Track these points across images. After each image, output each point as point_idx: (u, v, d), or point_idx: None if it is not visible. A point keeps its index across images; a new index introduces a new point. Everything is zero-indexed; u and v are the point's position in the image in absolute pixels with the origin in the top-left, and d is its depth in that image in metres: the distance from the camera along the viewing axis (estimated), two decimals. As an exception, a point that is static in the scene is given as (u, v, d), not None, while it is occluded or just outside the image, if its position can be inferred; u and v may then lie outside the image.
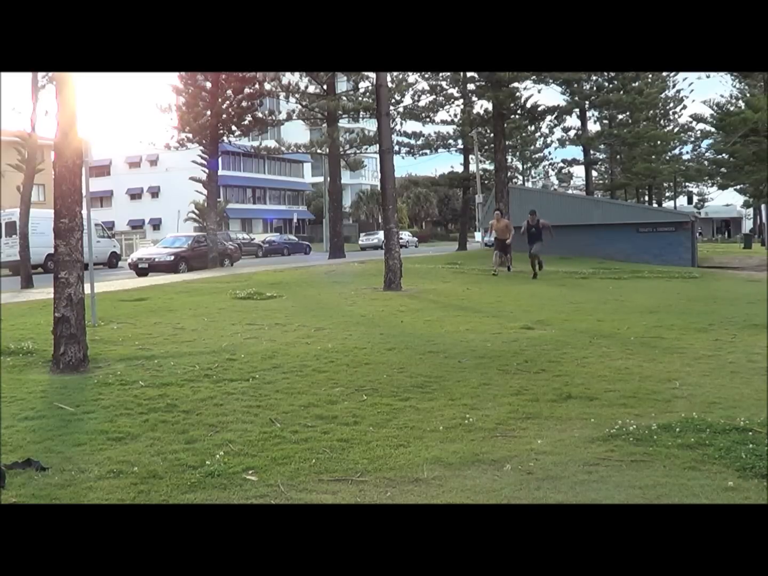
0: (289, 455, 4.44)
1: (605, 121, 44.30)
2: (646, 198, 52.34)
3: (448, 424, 5.12)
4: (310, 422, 5.20)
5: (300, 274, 20.24)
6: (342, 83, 36.59)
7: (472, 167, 40.96)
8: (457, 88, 35.01)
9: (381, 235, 35.20)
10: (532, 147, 50.02)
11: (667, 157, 44.77)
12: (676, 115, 48.65)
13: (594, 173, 51.10)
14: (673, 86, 46.70)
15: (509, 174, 35.89)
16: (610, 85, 40.29)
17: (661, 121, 47.88)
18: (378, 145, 17.71)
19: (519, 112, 29.03)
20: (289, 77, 31.05)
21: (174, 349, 8.14)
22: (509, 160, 40.55)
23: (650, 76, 41.43)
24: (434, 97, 34.59)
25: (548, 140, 46.62)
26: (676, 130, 46.98)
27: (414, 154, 36.03)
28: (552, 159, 54.22)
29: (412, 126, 64.67)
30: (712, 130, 38.06)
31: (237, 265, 27.52)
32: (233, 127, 27.90)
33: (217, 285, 16.53)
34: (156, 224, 60.47)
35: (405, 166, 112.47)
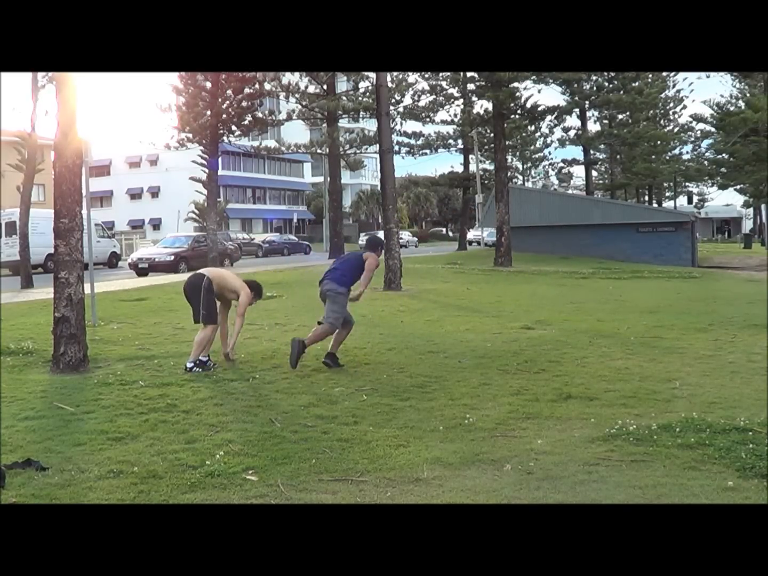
0: (289, 455, 4.44)
1: (605, 121, 44.27)
2: (646, 198, 52.32)
3: (448, 424, 5.12)
4: (310, 422, 5.20)
5: (300, 274, 20.23)
6: (342, 83, 36.58)
7: (472, 167, 40.96)
8: (457, 88, 35.00)
9: (381, 235, 35.23)
10: (532, 147, 50.01)
11: (667, 157, 44.74)
12: (676, 115, 48.65)
13: (594, 173, 51.08)
14: (673, 86, 46.67)
15: (509, 174, 35.86)
16: (610, 85, 40.26)
17: (661, 121, 47.84)
18: (378, 145, 17.72)
19: (519, 112, 28.99)
20: (289, 77, 31.05)
21: (174, 349, 8.14)
22: (509, 160, 40.52)
23: (650, 76, 41.40)
24: (434, 97, 34.59)
25: (548, 140, 46.68)
26: (676, 130, 46.96)
27: (414, 154, 36.03)
28: (552, 159, 54.28)
29: (412, 126, 64.56)
30: (712, 130, 38.05)
31: (237, 265, 27.52)
32: (233, 127, 27.86)
33: (217, 285, 16.50)
34: (156, 224, 60.46)
35: (405, 166, 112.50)
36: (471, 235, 46.34)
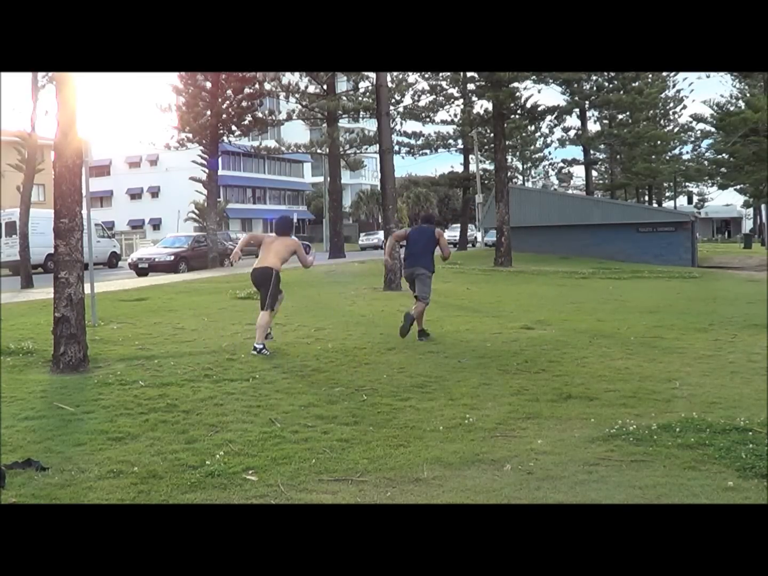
0: (289, 455, 4.44)
1: (605, 121, 44.30)
2: (646, 198, 52.33)
3: (448, 424, 5.12)
4: (310, 422, 5.20)
5: (300, 274, 20.19)
6: (342, 83, 36.59)
7: (472, 167, 40.96)
8: (457, 88, 35.02)
9: (381, 235, 35.26)
10: (532, 147, 50.03)
11: (667, 157, 44.76)
12: (676, 115, 48.68)
13: (594, 173, 51.10)
14: (673, 86, 46.70)
15: (509, 174, 35.88)
16: (610, 85, 40.29)
17: (661, 121, 47.86)
18: (378, 145, 17.73)
19: (519, 112, 29.01)
20: (289, 77, 31.06)
21: (174, 349, 8.14)
22: (509, 160, 40.56)
23: (650, 76, 41.42)
24: (434, 97, 34.62)
25: (548, 140, 46.71)
26: (676, 130, 46.98)
27: (414, 154, 36.06)
28: (552, 159, 54.31)
29: (412, 126, 64.68)
30: (712, 130, 38.06)
31: (237, 265, 27.48)
32: (233, 127, 27.90)
33: (217, 285, 16.54)
34: (156, 224, 60.44)
35: (405, 166, 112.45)
36: (447, 235, 46.17)
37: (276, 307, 8.43)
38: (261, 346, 7.81)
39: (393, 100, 30.34)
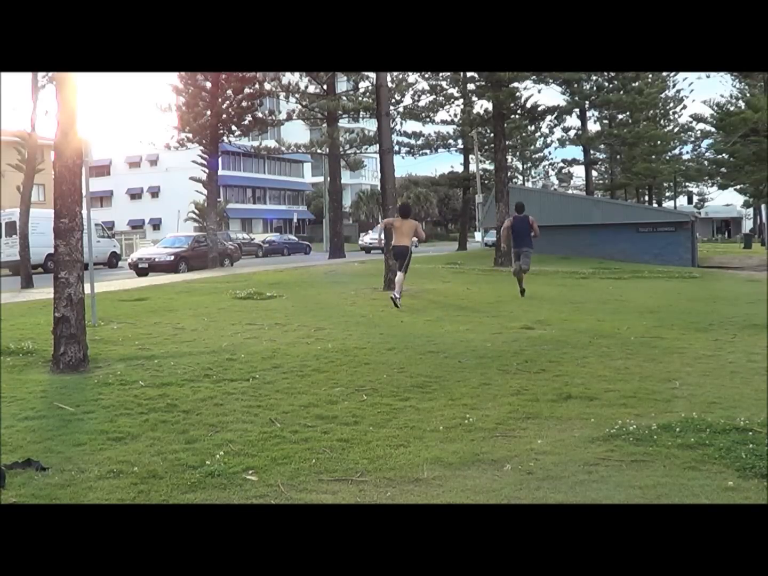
0: (289, 455, 4.44)
1: (605, 121, 44.30)
2: (646, 198, 52.33)
3: (448, 424, 5.12)
4: (310, 422, 5.20)
5: (300, 274, 20.24)
6: (342, 83, 36.60)
7: (472, 167, 41.00)
8: (457, 88, 35.02)
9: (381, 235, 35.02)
10: (532, 147, 50.02)
11: (667, 157, 44.76)
12: (676, 115, 48.67)
13: (594, 173, 51.08)
14: (673, 86, 46.70)
15: (509, 174, 35.89)
16: (610, 85, 40.27)
17: (661, 121, 47.85)
18: (378, 145, 17.72)
19: (519, 112, 29.02)
20: (289, 77, 31.08)
21: (174, 349, 8.14)
22: (509, 160, 40.57)
23: (650, 76, 41.42)
24: (434, 97, 34.62)
25: (548, 140, 46.64)
26: (676, 130, 46.98)
27: (414, 154, 36.07)
28: (552, 159, 54.27)
29: (412, 126, 64.63)
30: (712, 130, 38.07)
31: (237, 265, 27.53)
32: (233, 127, 27.90)
33: (217, 285, 16.53)
34: (156, 224, 60.49)
35: (405, 166, 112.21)
36: (368, 238, 41.92)
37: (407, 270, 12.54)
38: (398, 297, 11.76)
39: (393, 100, 30.35)
